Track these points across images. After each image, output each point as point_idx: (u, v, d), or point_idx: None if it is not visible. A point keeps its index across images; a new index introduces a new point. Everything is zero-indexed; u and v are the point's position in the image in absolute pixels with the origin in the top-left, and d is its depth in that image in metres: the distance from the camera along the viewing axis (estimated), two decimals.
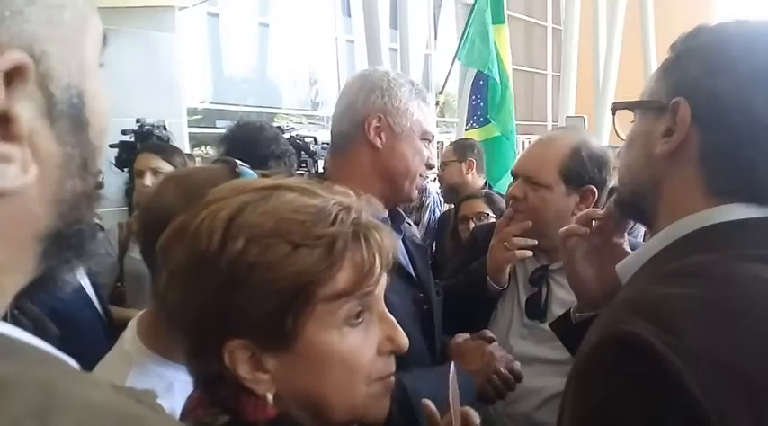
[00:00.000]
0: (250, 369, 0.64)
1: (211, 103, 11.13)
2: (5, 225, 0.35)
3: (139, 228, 1.06)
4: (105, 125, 0.41)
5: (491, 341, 1.33)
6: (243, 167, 1.07)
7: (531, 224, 1.45)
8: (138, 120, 3.50)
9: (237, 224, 0.62)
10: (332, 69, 12.53)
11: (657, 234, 0.77)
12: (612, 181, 1.43)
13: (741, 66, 0.70)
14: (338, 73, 12.33)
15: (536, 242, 1.46)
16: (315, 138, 3.49)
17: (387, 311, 0.71)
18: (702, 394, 0.55)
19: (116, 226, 2.35)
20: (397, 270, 1.19)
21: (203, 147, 8.74)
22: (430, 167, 1.36)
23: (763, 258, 0.65)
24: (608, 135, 6.87)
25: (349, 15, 12.53)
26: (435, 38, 13.85)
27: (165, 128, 3.58)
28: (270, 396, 0.64)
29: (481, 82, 4.35)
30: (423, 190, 3.11)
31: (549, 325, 1.15)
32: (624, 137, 0.86)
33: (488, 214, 2.52)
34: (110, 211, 3.28)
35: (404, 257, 1.35)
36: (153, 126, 3.48)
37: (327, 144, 3.41)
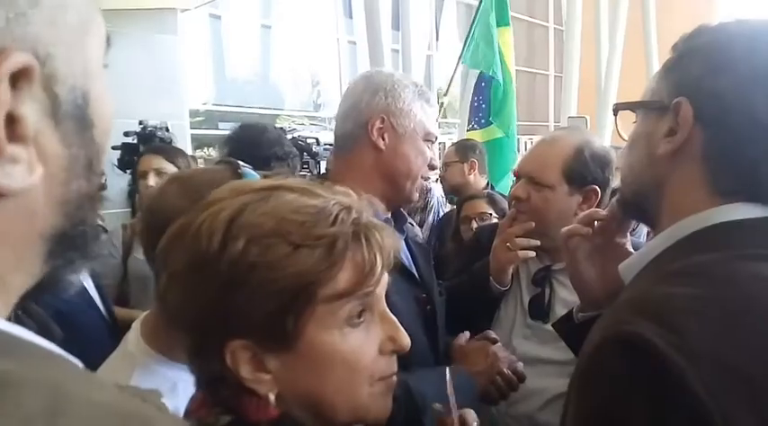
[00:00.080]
0: (252, 370, 0.64)
1: (213, 105, 11.15)
2: (12, 225, 0.35)
3: (143, 229, 1.06)
4: (109, 126, 0.41)
5: (494, 341, 1.33)
6: (245, 168, 1.08)
7: (533, 224, 1.45)
8: (140, 122, 3.51)
9: (238, 224, 0.63)
10: (334, 70, 12.54)
11: (660, 234, 0.77)
12: (615, 182, 1.43)
13: (742, 65, 0.70)
14: (340, 74, 12.35)
15: (539, 242, 1.46)
16: (317, 139, 3.49)
17: (388, 311, 0.71)
18: (706, 394, 0.55)
19: (120, 228, 2.36)
20: (399, 270, 1.20)
21: (206, 149, 8.75)
22: (432, 168, 1.37)
23: (765, 257, 0.65)
24: (610, 135, 6.87)
25: (351, 17, 12.55)
26: (437, 39, 13.86)
27: (167, 130, 3.59)
28: (272, 397, 0.64)
29: (483, 83, 4.35)
30: (427, 191, 3.12)
31: (552, 325, 1.15)
32: (626, 138, 0.86)
33: (491, 214, 2.51)
34: (112, 213, 3.28)
35: (407, 258, 1.35)
36: (155, 128, 3.49)
37: (329, 145, 3.42)
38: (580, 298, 1.04)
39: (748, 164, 0.69)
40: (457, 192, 3.11)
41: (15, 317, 0.37)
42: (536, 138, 1.92)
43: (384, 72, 1.34)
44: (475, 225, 2.48)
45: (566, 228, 1.02)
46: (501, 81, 4.24)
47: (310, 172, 3.09)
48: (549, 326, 1.27)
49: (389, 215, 1.33)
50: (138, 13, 4.62)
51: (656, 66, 0.83)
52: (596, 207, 1.43)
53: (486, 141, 3.99)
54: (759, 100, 0.68)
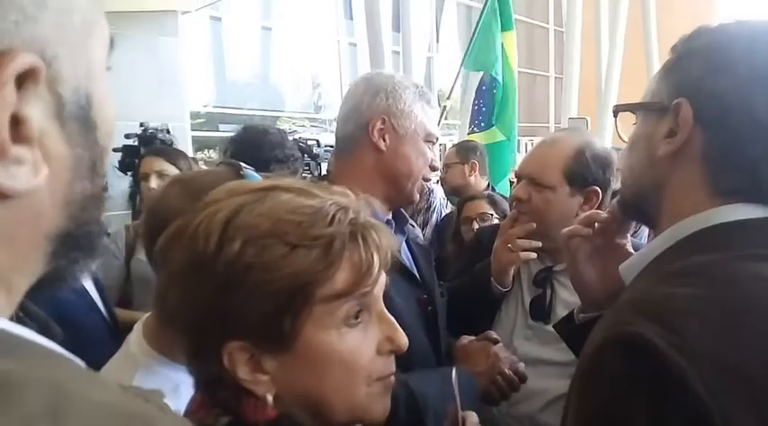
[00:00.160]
0: (249, 371, 0.64)
1: (214, 107, 11.16)
2: (17, 226, 0.35)
3: (145, 231, 1.06)
4: (112, 128, 0.41)
5: (496, 342, 1.33)
6: (247, 170, 1.08)
7: (534, 225, 1.45)
8: (141, 124, 3.52)
9: (234, 225, 0.63)
10: (334, 72, 12.55)
11: (661, 234, 0.77)
12: (616, 183, 1.43)
13: (742, 66, 0.70)
14: (341, 76, 12.36)
15: (540, 243, 1.46)
16: (317, 141, 3.50)
17: (386, 311, 0.71)
18: (707, 394, 0.55)
19: (123, 229, 2.36)
20: (401, 271, 1.21)
21: (206, 151, 8.76)
22: (434, 169, 1.37)
23: (765, 257, 0.65)
24: (611, 136, 6.87)
25: (351, 18, 12.56)
26: (437, 40, 13.87)
27: (168, 132, 3.59)
28: (269, 397, 0.64)
29: (484, 87, 4.35)
30: (429, 192, 3.12)
31: (553, 326, 1.15)
32: (626, 140, 0.86)
33: (492, 214, 2.51)
34: (114, 215, 3.29)
35: (408, 258, 1.35)
36: (156, 129, 3.50)
37: (330, 147, 3.43)
38: (581, 299, 1.04)
39: (748, 164, 0.69)
40: (457, 194, 3.12)
41: (16, 318, 0.37)
42: (536, 140, 1.92)
43: (385, 73, 1.34)
44: (476, 225, 2.48)
45: (566, 229, 1.02)
46: (501, 82, 4.24)
47: (311, 173, 3.10)
48: (550, 327, 1.27)
49: (390, 216, 1.33)
50: (138, 15, 4.64)
51: (657, 67, 0.83)
52: (597, 208, 1.43)
53: (486, 144, 3.99)
54: (759, 100, 0.68)
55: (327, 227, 0.64)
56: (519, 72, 4.67)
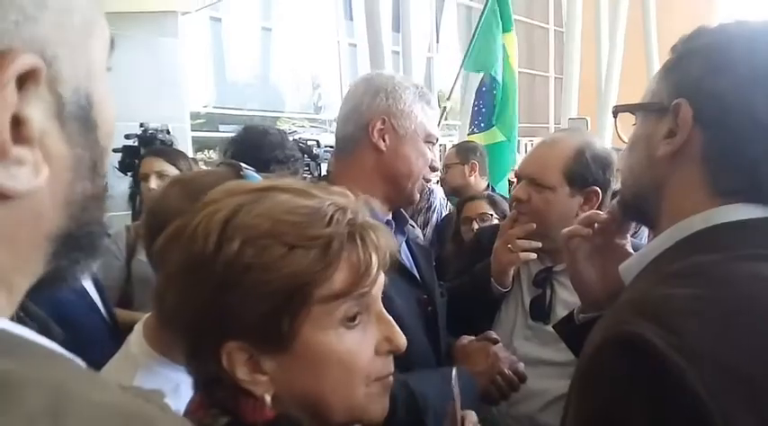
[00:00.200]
0: (248, 371, 0.64)
1: (214, 107, 11.17)
2: (18, 226, 0.35)
3: (145, 231, 1.06)
4: (112, 128, 0.41)
5: (495, 342, 1.33)
6: (248, 171, 1.08)
7: (534, 226, 1.45)
8: (141, 125, 3.52)
9: (233, 226, 0.63)
10: (334, 73, 12.56)
11: (660, 235, 0.77)
12: (616, 183, 1.43)
13: (742, 66, 0.70)
14: (341, 76, 12.37)
15: (540, 244, 1.46)
16: (317, 142, 3.50)
17: (384, 311, 0.71)
18: (706, 395, 0.55)
19: (123, 230, 2.36)
20: (401, 271, 1.21)
21: (206, 151, 8.77)
22: (434, 170, 1.37)
23: (764, 257, 0.65)
24: (611, 137, 6.87)
25: (351, 19, 12.57)
26: (437, 41, 13.88)
27: (168, 133, 3.59)
28: (268, 398, 0.64)
29: (484, 88, 4.36)
30: (429, 193, 3.12)
31: (553, 327, 1.15)
32: (626, 140, 0.86)
33: (491, 214, 2.51)
34: (114, 216, 3.29)
35: (408, 259, 1.35)
36: (156, 130, 3.50)
37: (330, 147, 3.43)
38: (581, 299, 1.04)
39: (748, 164, 0.70)
40: (457, 194, 3.12)
41: (16, 318, 0.37)
42: (536, 140, 1.92)
43: (385, 74, 1.34)
44: (476, 225, 2.48)
45: (566, 229, 1.02)
46: (501, 82, 4.24)
47: (311, 174, 3.10)
48: (549, 327, 1.27)
49: (390, 216, 1.33)
50: (138, 16, 4.64)
51: (657, 68, 0.83)
52: (597, 208, 1.43)
53: (486, 144, 4.00)
54: (759, 100, 0.68)
55: (325, 228, 0.64)
56: (519, 72, 4.68)
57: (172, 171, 2.33)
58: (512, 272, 1.52)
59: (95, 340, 1.56)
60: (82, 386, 0.32)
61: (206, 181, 1.00)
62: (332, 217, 0.65)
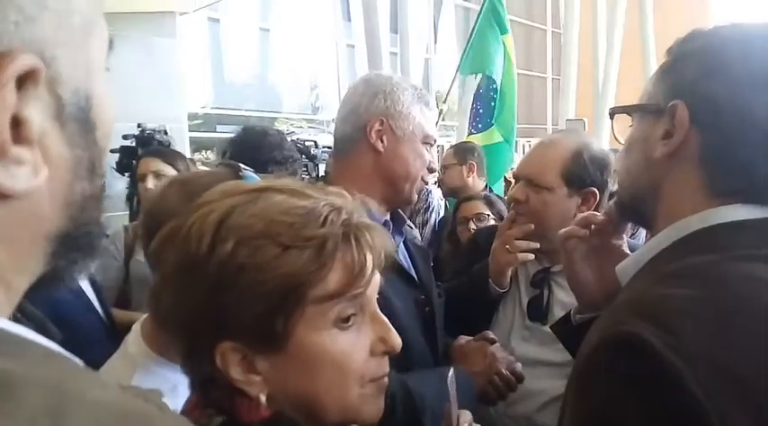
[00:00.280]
0: (242, 371, 0.64)
1: (212, 108, 11.17)
2: (17, 226, 0.35)
3: (143, 232, 1.06)
4: (111, 128, 0.42)
5: (493, 342, 1.34)
6: (246, 171, 1.08)
7: (533, 226, 1.46)
8: (139, 125, 3.51)
9: (227, 226, 0.63)
10: (332, 73, 12.57)
11: (657, 235, 0.77)
12: (613, 184, 1.43)
13: (737, 67, 0.70)
14: (338, 77, 12.37)
15: (538, 245, 1.47)
16: (315, 142, 3.51)
17: (379, 312, 0.71)
18: (703, 395, 0.55)
19: (122, 230, 2.36)
20: (398, 272, 1.21)
21: (204, 152, 8.77)
22: (431, 171, 1.37)
23: (760, 258, 0.65)
24: (608, 138, 6.89)
25: (349, 20, 12.58)
26: (435, 42, 13.89)
27: (165, 133, 3.58)
28: (263, 397, 0.64)
29: (481, 90, 4.38)
30: (428, 193, 3.12)
31: (550, 327, 1.15)
32: (623, 142, 0.86)
33: (488, 214, 2.52)
34: (111, 216, 3.28)
35: (405, 260, 1.36)
36: (154, 130, 3.49)
37: (328, 148, 3.43)
38: (577, 300, 1.04)
39: (744, 165, 0.70)
40: (456, 195, 3.12)
41: (13, 318, 0.37)
42: (534, 141, 1.92)
43: (383, 75, 1.35)
44: (472, 225, 2.48)
45: (563, 230, 1.02)
46: (498, 82, 4.26)
47: (309, 174, 3.10)
48: (547, 328, 1.27)
49: (388, 217, 1.34)
50: (136, 16, 4.64)
51: (654, 70, 0.83)
52: (595, 209, 1.43)
53: (484, 145, 4.01)
54: (753, 102, 0.69)
55: (320, 228, 0.64)
56: (517, 73, 4.70)
57: (169, 171, 2.33)
58: (509, 273, 1.52)
59: (93, 340, 1.56)
60: (81, 385, 0.32)
61: (204, 181, 1.00)
62: (326, 217, 0.64)
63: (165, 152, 2.60)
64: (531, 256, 1.48)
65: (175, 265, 0.64)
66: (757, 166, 0.69)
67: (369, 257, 0.66)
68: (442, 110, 4.78)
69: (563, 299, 1.46)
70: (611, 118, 0.91)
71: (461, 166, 3.18)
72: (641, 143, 0.80)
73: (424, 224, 3.22)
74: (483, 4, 4.53)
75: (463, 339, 1.37)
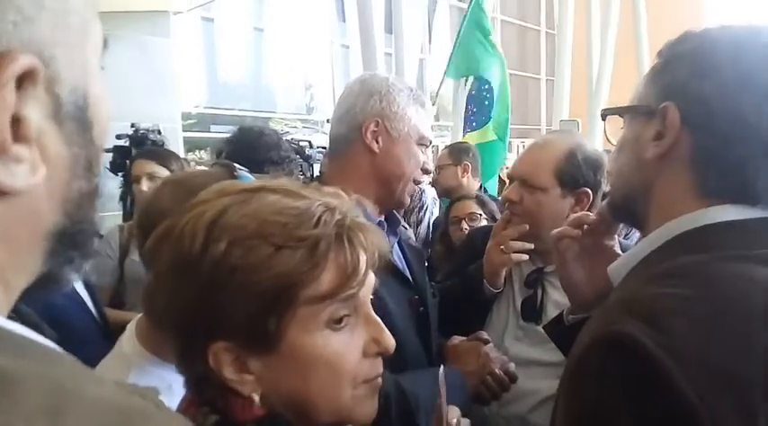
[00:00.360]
0: (235, 371, 0.64)
1: (206, 108, 11.13)
2: (16, 224, 0.36)
3: (138, 232, 1.06)
4: (107, 127, 0.42)
5: (486, 342, 1.34)
6: (241, 171, 1.08)
7: (527, 227, 1.46)
8: (132, 125, 3.50)
9: (220, 226, 0.63)
10: (327, 74, 12.56)
11: (648, 236, 0.78)
12: (606, 185, 1.44)
13: (727, 69, 0.71)
14: (333, 77, 12.36)
15: (533, 245, 1.47)
16: (310, 142, 3.50)
17: (373, 313, 0.71)
18: (694, 394, 0.55)
19: (116, 230, 2.36)
20: (393, 273, 1.21)
21: (198, 151, 8.75)
22: (426, 172, 1.38)
23: (751, 258, 0.66)
24: (601, 139, 6.90)
25: (344, 20, 12.57)
26: (430, 42, 13.90)
27: (159, 133, 3.57)
28: (256, 397, 0.65)
29: (473, 92, 4.41)
30: (421, 192, 3.13)
31: (543, 328, 1.15)
32: (615, 143, 0.87)
33: (480, 214, 2.53)
34: (104, 216, 3.26)
35: (400, 260, 1.36)
36: (148, 130, 3.48)
37: (322, 148, 3.43)
38: (570, 300, 1.05)
39: (735, 166, 0.70)
40: (450, 195, 3.13)
41: (8, 319, 0.37)
42: (528, 142, 1.93)
43: (379, 76, 1.35)
44: (465, 225, 2.49)
45: (556, 230, 1.03)
46: (491, 81, 4.30)
47: (303, 175, 3.09)
48: (541, 328, 1.28)
49: (383, 217, 1.34)
50: (130, 15, 4.62)
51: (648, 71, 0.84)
52: (588, 209, 1.44)
53: (479, 143, 4.04)
54: (744, 103, 0.69)
55: (313, 229, 0.64)
56: (510, 74, 4.74)
57: (163, 173, 2.32)
58: (504, 273, 1.52)
59: (87, 340, 1.56)
60: (79, 382, 0.32)
61: (199, 181, 1.00)
62: (319, 218, 0.64)
63: (158, 153, 2.60)
64: (526, 257, 1.48)
65: (169, 264, 0.64)
66: (747, 167, 0.70)
67: (362, 258, 0.66)
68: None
69: (557, 299, 1.47)
70: (603, 119, 0.91)
71: (456, 167, 3.18)
72: (633, 144, 0.81)
73: (419, 223, 3.23)
74: (469, 7, 4.58)
75: (457, 339, 1.37)
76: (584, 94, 9.74)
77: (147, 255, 0.68)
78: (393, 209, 1.40)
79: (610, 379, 0.60)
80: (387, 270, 0.72)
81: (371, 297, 0.71)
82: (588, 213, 1.05)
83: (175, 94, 5.43)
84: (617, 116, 0.87)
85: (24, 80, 0.34)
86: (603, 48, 9.64)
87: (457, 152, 3.28)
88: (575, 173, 1.45)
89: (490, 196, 3.12)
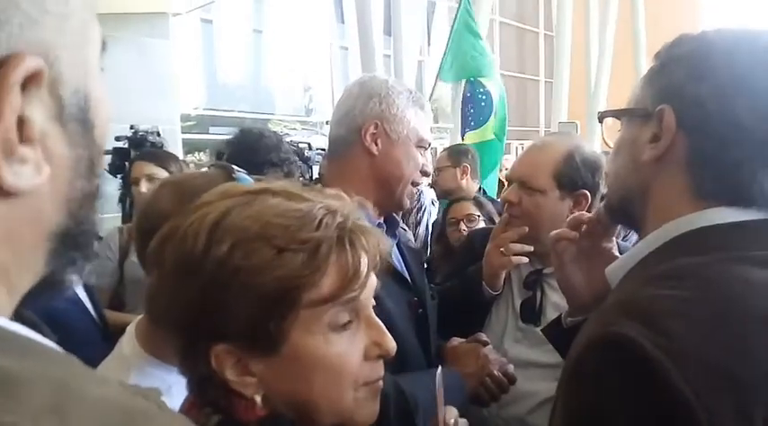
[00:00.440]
0: (237, 373, 0.64)
1: (205, 109, 11.13)
2: (19, 224, 0.36)
3: (136, 234, 1.07)
4: (107, 128, 0.42)
5: (485, 344, 1.34)
6: (239, 173, 1.08)
7: (527, 229, 1.46)
8: (131, 127, 3.50)
9: (223, 228, 0.63)
10: (325, 76, 12.57)
11: (646, 237, 0.78)
12: (605, 187, 1.44)
13: (723, 72, 0.72)
14: (332, 79, 12.38)
15: (532, 248, 1.47)
16: (309, 144, 3.51)
17: (374, 315, 0.71)
18: (692, 394, 0.56)
19: (116, 231, 2.36)
20: (392, 274, 1.22)
21: (197, 153, 8.74)
22: (425, 174, 1.38)
23: (748, 259, 0.66)
24: (600, 140, 6.92)
25: (343, 22, 12.58)
26: (428, 44, 13.92)
27: (158, 134, 3.57)
28: (258, 399, 0.65)
29: (468, 94, 4.44)
30: (420, 194, 3.13)
31: (541, 330, 1.16)
32: (612, 145, 0.87)
33: (478, 215, 2.53)
34: (103, 217, 3.25)
35: (399, 262, 1.36)
36: (147, 132, 3.47)
37: (321, 150, 3.44)
38: (568, 302, 1.05)
39: (730, 169, 0.71)
40: (449, 197, 3.14)
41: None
42: (527, 143, 1.94)
43: (379, 78, 1.35)
44: (463, 227, 2.49)
45: (554, 232, 1.03)
46: (485, 84, 4.32)
47: (302, 176, 3.10)
48: (539, 330, 1.28)
49: (382, 219, 1.34)
50: (129, 17, 4.63)
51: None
52: (586, 211, 1.44)
53: (478, 142, 4.07)
54: (739, 106, 0.70)
55: (315, 231, 0.64)
56: (510, 76, 4.78)
57: (162, 174, 2.32)
58: (503, 275, 1.53)
59: (86, 342, 1.56)
60: (82, 382, 0.33)
61: (197, 183, 1.01)
62: (321, 220, 0.65)
63: (158, 155, 2.60)
64: (526, 259, 1.48)
65: (172, 265, 0.65)
66: (743, 170, 0.70)
67: (363, 260, 0.67)
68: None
69: (556, 301, 1.47)
70: (601, 122, 0.92)
71: (455, 169, 3.19)
72: (630, 146, 0.81)
73: (417, 224, 3.23)
74: (457, 11, 4.61)
75: (456, 340, 1.38)
76: (583, 96, 9.76)
77: (152, 255, 0.68)
78: (392, 212, 1.40)
79: (607, 380, 0.61)
80: (386, 271, 0.72)
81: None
82: (584, 212, 1.05)
83: (174, 96, 5.44)
84: (615, 118, 0.87)
85: (29, 82, 0.34)
86: (602, 50, 9.67)
87: (456, 154, 3.29)
88: (573, 175, 1.45)
89: (489, 198, 3.13)
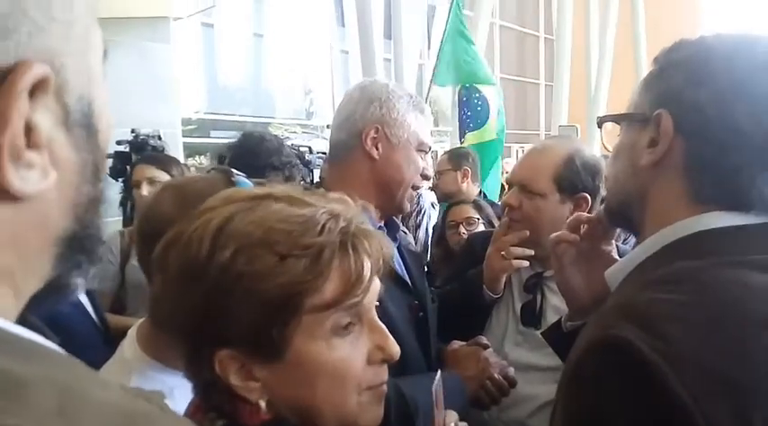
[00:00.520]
0: (241, 378, 0.65)
1: (206, 113, 11.15)
2: (26, 229, 0.36)
3: (137, 237, 1.07)
4: (110, 132, 0.43)
5: (485, 347, 1.34)
6: (239, 177, 1.09)
7: (528, 233, 1.47)
8: (132, 130, 3.50)
9: (226, 233, 0.63)
10: (326, 79, 12.58)
11: (644, 241, 0.78)
12: (605, 190, 1.45)
13: (722, 77, 0.72)
14: (332, 83, 12.39)
15: (533, 251, 1.48)
16: (309, 148, 3.51)
17: (377, 320, 0.71)
18: (689, 398, 0.56)
19: (117, 235, 2.36)
20: (393, 278, 1.22)
21: (198, 157, 8.75)
22: (426, 178, 1.38)
23: (745, 264, 0.66)
24: (600, 144, 6.92)
25: (343, 25, 12.60)
26: (429, 48, 13.93)
27: (159, 138, 3.58)
28: (262, 403, 0.65)
29: (464, 99, 4.46)
30: (419, 196, 3.14)
31: (541, 334, 1.16)
32: (611, 149, 0.88)
33: (478, 218, 2.54)
34: (105, 221, 3.26)
35: (399, 265, 1.37)
36: (148, 136, 3.48)
37: (322, 153, 3.44)
38: (568, 305, 1.05)
39: (728, 174, 0.71)
40: (450, 200, 3.14)
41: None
42: (527, 147, 1.94)
43: (379, 82, 1.36)
44: (462, 230, 2.50)
45: (554, 234, 1.03)
46: (481, 90, 4.34)
47: (303, 180, 3.10)
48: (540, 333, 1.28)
49: (383, 223, 1.35)
50: (130, 21, 4.64)
51: None
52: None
53: (477, 143, 4.08)
54: (738, 111, 0.70)
55: (317, 237, 0.64)
56: (509, 79, 4.79)
57: (164, 178, 2.33)
58: (504, 279, 1.53)
59: (87, 345, 1.56)
60: (86, 385, 0.33)
61: (198, 186, 1.01)
62: (324, 225, 0.65)
63: (159, 158, 2.60)
64: (526, 263, 1.48)
65: (176, 270, 0.65)
66: (742, 175, 0.70)
67: (366, 265, 0.67)
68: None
69: (556, 304, 1.47)
70: (600, 127, 0.92)
71: (456, 172, 3.20)
72: (628, 151, 0.82)
73: (417, 227, 3.23)
74: (448, 16, 4.63)
75: (456, 344, 1.38)
76: (583, 99, 9.77)
77: (157, 260, 0.68)
78: (393, 215, 1.40)
79: (606, 384, 0.61)
80: (387, 275, 0.72)
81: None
82: (584, 213, 1.05)
83: (175, 100, 5.45)
84: (614, 123, 0.88)
85: (36, 89, 0.34)
86: (602, 53, 9.69)
87: (456, 157, 3.29)
88: (573, 179, 1.46)
89: (489, 201, 3.13)
